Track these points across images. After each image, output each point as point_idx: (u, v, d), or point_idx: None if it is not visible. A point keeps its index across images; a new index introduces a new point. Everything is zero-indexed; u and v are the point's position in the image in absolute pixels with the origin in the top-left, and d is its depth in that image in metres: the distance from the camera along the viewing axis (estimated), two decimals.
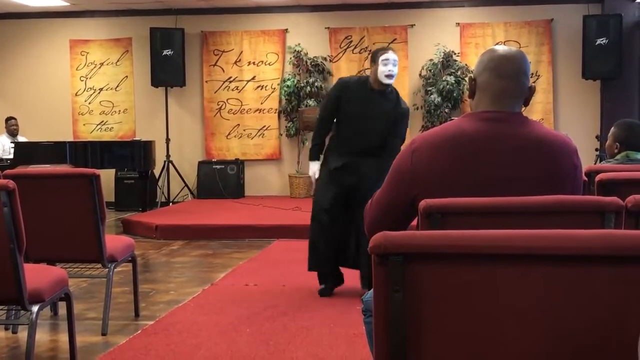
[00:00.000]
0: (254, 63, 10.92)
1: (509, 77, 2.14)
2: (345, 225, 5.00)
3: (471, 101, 2.24)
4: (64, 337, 3.87)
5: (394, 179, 2.19)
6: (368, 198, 2.31)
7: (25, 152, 8.90)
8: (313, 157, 5.11)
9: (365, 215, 2.31)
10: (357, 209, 4.68)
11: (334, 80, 10.09)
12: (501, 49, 2.21)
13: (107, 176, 9.01)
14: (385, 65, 4.74)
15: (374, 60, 4.85)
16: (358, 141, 4.90)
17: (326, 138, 5.10)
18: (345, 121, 4.93)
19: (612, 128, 4.19)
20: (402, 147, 2.21)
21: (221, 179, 10.62)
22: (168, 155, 10.56)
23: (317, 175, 5.06)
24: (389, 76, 4.76)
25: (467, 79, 9.86)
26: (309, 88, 10.43)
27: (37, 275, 3.23)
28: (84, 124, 11.24)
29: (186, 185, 10.70)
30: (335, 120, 5.00)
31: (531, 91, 2.19)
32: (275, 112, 10.89)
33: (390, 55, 4.77)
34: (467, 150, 2.06)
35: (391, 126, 4.87)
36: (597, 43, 9.67)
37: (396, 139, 4.90)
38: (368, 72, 11.14)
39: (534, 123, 2.16)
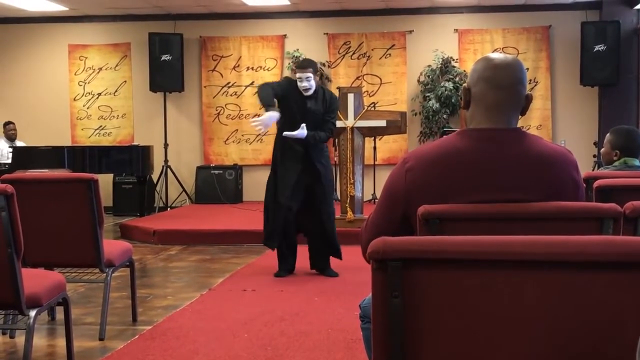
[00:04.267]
0: (252, 68, 10.93)
1: (505, 88, 2.06)
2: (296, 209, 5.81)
3: (465, 112, 2.16)
4: (61, 342, 3.86)
5: (387, 199, 2.13)
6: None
7: (24, 156, 8.90)
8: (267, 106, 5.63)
9: (360, 237, 2.22)
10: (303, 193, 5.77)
11: (332, 86, 10.11)
12: (496, 57, 2.12)
13: (105, 181, 9.01)
14: (301, 82, 5.67)
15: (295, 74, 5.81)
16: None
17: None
18: (285, 117, 5.69)
19: (608, 135, 4.18)
20: (396, 165, 2.12)
21: (219, 184, 10.62)
22: (166, 160, 10.56)
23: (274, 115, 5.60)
24: (306, 89, 5.68)
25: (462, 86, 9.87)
26: None
27: (34, 279, 3.22)
28: (82, 129, 11.23)
29: (184, 190, 10.69)
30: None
31: (528, 100, 2.10)
32: None
33: (301, 74, 5.68)
34: (463, 173, 2.00)
35: (321, 119, 5.76)
36: (595, 50, 9.69)
37: (328, 122, 5.80)
38: (367, 78, 11.16)
39: (532, 138, 2.08)
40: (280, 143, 5.91)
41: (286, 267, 5.95)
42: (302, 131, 5.64)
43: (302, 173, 5.80)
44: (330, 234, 5.86)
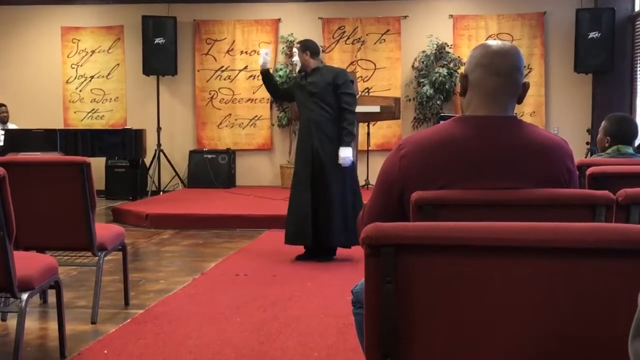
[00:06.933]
0: (246, 52, 10.89)
1: (502, 75, 2.05)
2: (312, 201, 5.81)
3: (462, 99, 2.14)
4: (53, 325, 3.86)
5: (382, 185, 2.11)
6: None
7: (16, 139, 8.85)
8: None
9: (358, 226, 2.20)
10: (318, 183, 5.76)
11: None
12: (494, 44, 2.10)
13: (97, 164, 8.96)
14: (293, 57, 6.17)
15: None
16: (307, 117, 5.84)
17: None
18: (298, 107, 6.05)
19: (603, 122, 4.20)
20: (391, 152, 2.11)
21: (212, 169, 10.60)
22: (159, 144, 10.53)
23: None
24: (295, 64, 6.13)
25: (458, 72, 9.86)
26: None
27: (26, 262, 3.22)
28: (74, 112, 11.18)
29: (177, 174, 10.67)
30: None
31: (525, 88, 2.10)
32: (267, 102, 10.86)
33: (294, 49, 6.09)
34: (459, 160, 1.99)
35: (329, 97, 5.77)
36: (589, 36, 9.69)
37: (345, 107, 5.75)
38: (361, 63, 11.20)
39: (529, 127, 2.07)
40: (297, 144, 6.04)
41: (308, 252, 5.95)
42: (344, 155, 5.65)
43: (310, 170, 5.80)
44: (326, 234, 5.79)
